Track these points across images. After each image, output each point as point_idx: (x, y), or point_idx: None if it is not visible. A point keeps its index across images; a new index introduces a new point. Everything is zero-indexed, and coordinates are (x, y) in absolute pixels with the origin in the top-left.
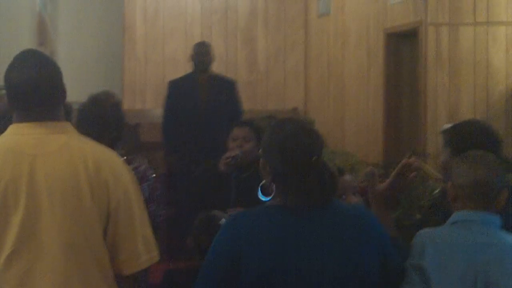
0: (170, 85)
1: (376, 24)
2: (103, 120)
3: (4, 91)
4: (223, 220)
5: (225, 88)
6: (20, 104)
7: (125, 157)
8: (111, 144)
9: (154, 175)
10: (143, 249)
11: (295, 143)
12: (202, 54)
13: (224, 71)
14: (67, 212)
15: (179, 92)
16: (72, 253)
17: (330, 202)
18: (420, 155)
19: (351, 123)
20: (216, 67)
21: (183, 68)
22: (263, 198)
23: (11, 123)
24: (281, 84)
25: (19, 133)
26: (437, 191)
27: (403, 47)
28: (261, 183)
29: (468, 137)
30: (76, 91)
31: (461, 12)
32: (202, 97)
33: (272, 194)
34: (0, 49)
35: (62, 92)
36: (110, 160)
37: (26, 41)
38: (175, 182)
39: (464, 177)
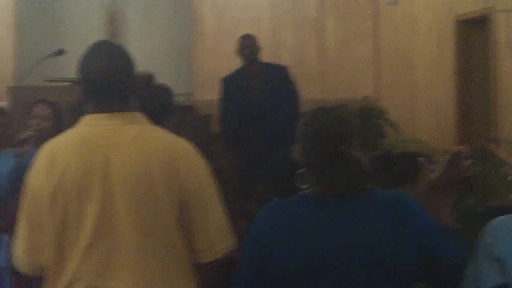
0: (223, 82)
1: (445, 11)
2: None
3: (77, 83)
4: None
5: (278, 75)
6: (93, 95)
7: None
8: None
9: None
10: (218, 238)
11: (325, 133)
12: (248, 46)
13: (293, 61)
14: (141, 202)
15: (234, 88)
16: (148, 243)
17: (365, 192)
18: (493, 141)
19: (422, 111)
20: (285, 58)
21: None
22: (300, 186)
23: (76, 113)
24: (351, 74)
25: (92, 124)
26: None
27: (473, 34)
28: (298, 171)
29: None
30: None
31: None
32: (257, 88)
33: (308, 182)
34: (72, 43)
35: (134, 83)
36: (183, 150)
37: (96, 35)
38: (241, 174)
39: None
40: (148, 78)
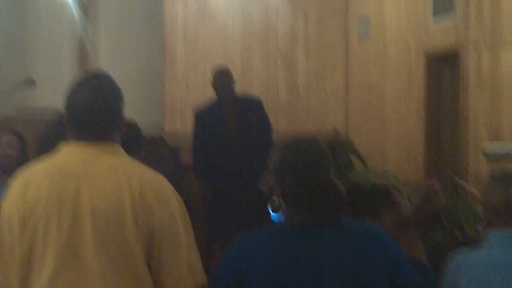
0: (196, 116)
1: (416, 46)
2: None
3: (48, 113)
4: None
5: (252, 108)
6: (74, 123)
7: None
8: None
9: None
10: (188, 275)
11: (302, 161)
12: (223, 78)
13: (264, 93)
14: (110, 236)
15: (207, 122)
16: (114, 276)
17: (340, 221)
18: (461, 175)
19: (391, 144)
20: (256, 89)
21: None
22: (272, 215)
23: (45, 143)
24: (321, 106)
25: (69, 152)
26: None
27: (444, 69)
28: (271, 200)
29: None
30: None
31: (502, 33)
32: (231, 122)
33: (281, 211)
34: (42, 73)
35: (119, 117)
36: (157, 185)
37: (67, 65)
38: (211, 207)
39: (495, 197)
40: None
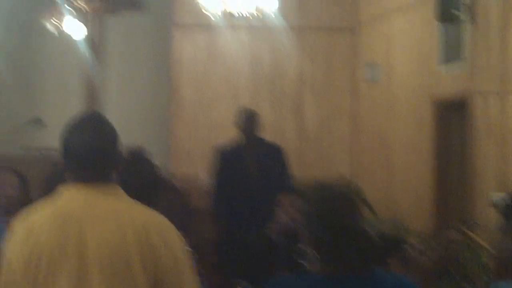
0: (217, 153)
1: (424, 92)
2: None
3: (55, 153)
4: None
5: (274, 154)
6: (73, 165)
7: None
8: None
9: None
10: None
11: (332, 210)
12: (249, 121)
13: (271, 136)
14: (118, 277)
15: (228, 160)
16: None
17: (370, 271)
18: (469, 224)
19: (399, 190)
20: (264, 133)
21: (231, 133)
22: (304, 264)
23: (52, 183)
24: (328, 151)
25: (70, 195)
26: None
27: (451, 116)
28: (299, 245)
29: None
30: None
31: (510, 82)
32: (252, 165)
33: (312, 260)
34: (50, 112)
35: (116, 157)
36: (160, 225)
37: (75, 105)
38: (224, 249)
39: (505, 249)
40: (136, 153)
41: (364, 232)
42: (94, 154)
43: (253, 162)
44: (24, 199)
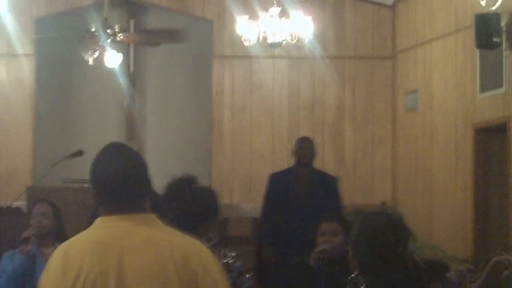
0: (271, 177)
1: (463, 119)
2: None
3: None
4: None
5: (326, 184)
6: (106, 197)
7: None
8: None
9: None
10: None
11: (381, 237)
12: (305, 148)
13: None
14: None
15: (280, 185)
16: None
17: None
18: (510, 250)
19: (439, 217)
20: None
21: (270, 163)
22: None
23: (97, 216)
24: (369, 179)
25: (106, 226)
26: None
27: (491, 142)
28: (351, 276)
29: None
30: (164, 185)
31: None
32: (303, 191)
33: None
34: (89, 142)
35: (147, 184)
36: (198, 251)
37: (115, 136)
38: (266, 274)
39: None
40: (190, 181)
41: (412, 258)
42: (124, 182)
43: (303, 188)
44: (58, 228)
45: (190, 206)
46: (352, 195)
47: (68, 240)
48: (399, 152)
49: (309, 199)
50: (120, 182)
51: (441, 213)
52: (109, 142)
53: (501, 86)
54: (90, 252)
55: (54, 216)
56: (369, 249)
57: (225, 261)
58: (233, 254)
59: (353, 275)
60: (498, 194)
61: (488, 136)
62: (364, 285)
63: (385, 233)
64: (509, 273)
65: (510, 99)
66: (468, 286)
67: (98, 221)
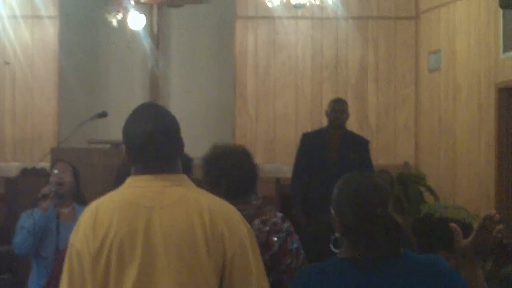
0: (303, 137)
1: (487, 79)
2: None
3: (122, 145)
4: None
5: (357, 147)
6: (137, 156)
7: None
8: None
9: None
10: None
11: (362, 197)
12: (338, 111)
13: None
14: (183, 265)
15: (311, 145)
16: None
17: (401, 253)
18: None
19: (462, 177)
20: (326, 122)
21: (294, 124)
22: (335, 251)
23: (128, 175)
24: (391, 139)
25: (137, 186)
26: None
27: None
28: (334, 236)
29: None
30: (188, 146)
31: None
32: (333, 153)
33: (342, 246)
34: (114, 104)
35: (179, 144)
36: (226, 213)
37: (139, 97)
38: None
39: None
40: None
41: (393, 219)
42: (154, 142)
43: (335, 150)
44: (77, 186)
45: (243, 174)
46: (375, 155)
47: (99, 199)
48: (422, 112)
49: (340, 160)
50: (151, 142)
51: (464, 172)
52: (141, 103)
53: None
54: (119, 211)
55: (73, 177)
56: (350, 209)
57: (274, 220)
58: (281, 215)
59: (336, 234)
60: None
61: (511, 95)
62: (345, 244)
63: (365, 193)
64: (503, 228)
65: None
66: (461, 241)
67: (129, 180)
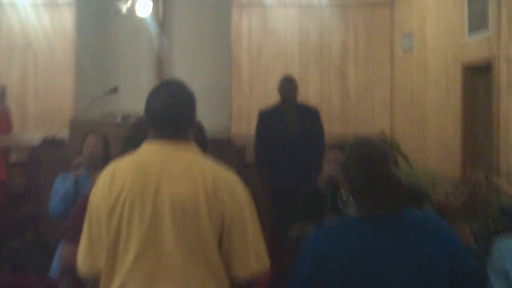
0: (260, 115)
1: (453, 58)
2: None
3: (131, 117)
4: None
5: (310, 116)
6: (154, 124)
7: None
8: None
9: None
10: (254, 260)
11: (366, 160)
12: (289, 88)
13: (319, 101)
14: (186, 224)
15: (270, 121)
16: (189, 258)
17: (403, 210)
18: (493, 172)
19: (432, 145)
20: (312, 98)
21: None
22: (344, 210)
23: (134, 145)
24: (369, 112)
25: (150, 150)
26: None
27: (478, 79)
28: (342, 198)
29: None
30: None
31: None
32: (290, 124)
33: (352, 206)
34: (125, 83)
35: (192, 118)
36: (228, 180)
37: (146, 76)
38: (272, 198)
39: None
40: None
41: (395, 178)
42: (172, 113)
43: (290, 121)
44: (107, 157)
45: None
46: (356, 126)
47: (116, 161)
48: (397, 89)
49: (297, 130)
50: (167, 112)
51: (433, 141)
52: (165, 79)
53: (486, 29)
54: (133, 172)
55: (104, 146)
56: (356, 172)
57: None
58: None
59: (344, 197)
60: (483, 125)
61: (475, 74)
62: (354, 204)
63: (369, 156)
64: (485, 192)
65: (494, 41)
66: (453, 203)
67: (145, 145)
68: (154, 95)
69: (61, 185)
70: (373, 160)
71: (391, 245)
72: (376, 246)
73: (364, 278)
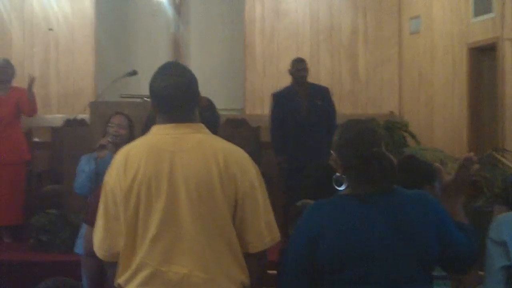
0: (274, 96)
1: (459, 40)
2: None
3: (148, 99)
4: None
5: (322, 94)
6: (162, 108)
7: None
8: None
9: None
10: (266, 232)
11: (359, 140)
12: (300, 69)
13: (329, 81)
14: (201, 200)
15: (283, 102)
16: (206, 235)
17: (394, 189)
18: (499, 150)
19: (439, 124)
20: (323, 78)
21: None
22: (338, 188)
23: (148, 127)
24: (378, 92)
25: (161, 133)
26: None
27: (483, 59)
28: (335, 175)
29: None
30: None
31: None
32: (303, 104)
33: (345, 184)
34: (142, 64)
35: (196, 98)
36: (238, 156)
37: (163, 57)
38: (287, 177)
39: None
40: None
41: (387, 157)
42: (176, 94)
43: (303, 102)
44: (131, 137)
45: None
46: (365, 106)
47: (130, 144)
48: (405, 69)
49: (310, 109)
50: (173, 94)
51: (440, 120)
52: (166, 61)
53: (491, 11)
54: (146, 155)
55: (128, 127)
56: (349, 151)
57: None
58: None
59: (337, 174)
60: (489, 104)
61: (480, 55)
62: (347, 182)
63: (362, 136)
64: (478, 168)
65: (499, 22)
66: (445, 178)
67: (154, 128)
68: (157, 78)
69: (86, 165)
70: (364, 139)
71: (382, 223)
72: (368, 224)
73: (355, 255)
